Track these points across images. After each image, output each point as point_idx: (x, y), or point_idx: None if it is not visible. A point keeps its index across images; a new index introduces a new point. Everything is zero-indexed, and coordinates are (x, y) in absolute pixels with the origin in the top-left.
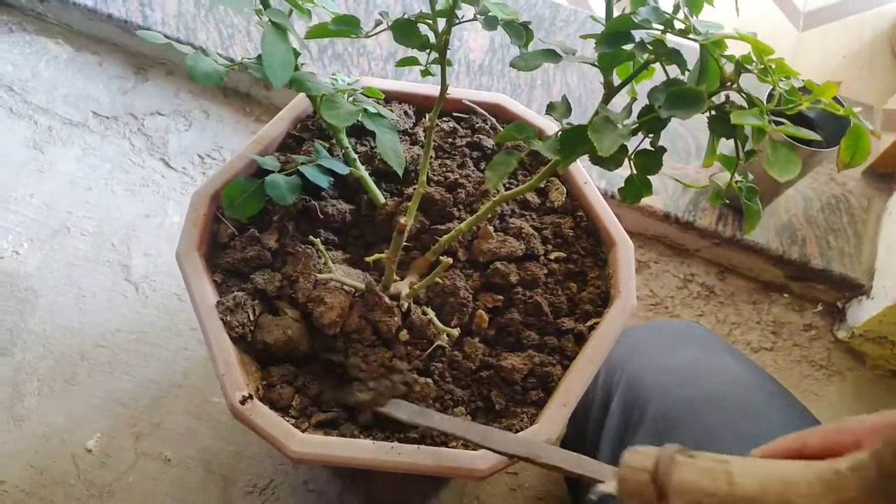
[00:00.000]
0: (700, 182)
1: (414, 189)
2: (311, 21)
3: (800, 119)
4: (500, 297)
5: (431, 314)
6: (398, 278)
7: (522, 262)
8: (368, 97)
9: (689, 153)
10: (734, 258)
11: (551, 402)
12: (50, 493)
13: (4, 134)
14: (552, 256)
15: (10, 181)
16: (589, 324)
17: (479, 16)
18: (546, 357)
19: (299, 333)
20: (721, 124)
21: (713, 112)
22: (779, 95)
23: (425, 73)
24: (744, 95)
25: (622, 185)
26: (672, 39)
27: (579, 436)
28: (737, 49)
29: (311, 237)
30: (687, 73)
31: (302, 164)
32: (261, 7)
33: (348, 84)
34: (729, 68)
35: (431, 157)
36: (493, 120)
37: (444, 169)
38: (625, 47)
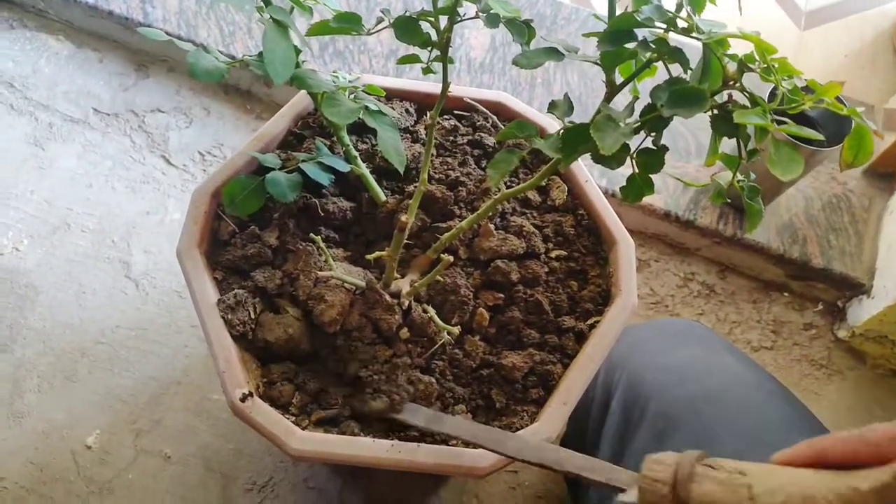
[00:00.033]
0: (701, 181)
1: (415, 187)
2: (312, 18)
3: (801, 118)
4: (501, 296)
5: (432, 312)
6: (399, 276)
7: (523, 261)
8: (370, 95)
9: (689, 152)
10: (735, 257)
11: (552, 400)
12: (49, 490)
13: (5, 130)
14: (553, 255)
15: (11, 178)
16: (590, 322)
17: (480, 13)
18: (547, 355)
19: (300, 332)
20: (723, 123)
21: (716, 111)
22: (782, 95)
23: (427, 70)
24: (746, 94)
25: (623, 183)
26: (675, 38)
27: (579, 434)
28: (739, 48)
29: (311, 235)
30: (689, 71)
31: (303, 161)
32: (262, 4)
33: (349, 81)
34: (732, 67)
35: (432, 154)
36: (495, 118)
37: (446, 167)
38: (627, 46)
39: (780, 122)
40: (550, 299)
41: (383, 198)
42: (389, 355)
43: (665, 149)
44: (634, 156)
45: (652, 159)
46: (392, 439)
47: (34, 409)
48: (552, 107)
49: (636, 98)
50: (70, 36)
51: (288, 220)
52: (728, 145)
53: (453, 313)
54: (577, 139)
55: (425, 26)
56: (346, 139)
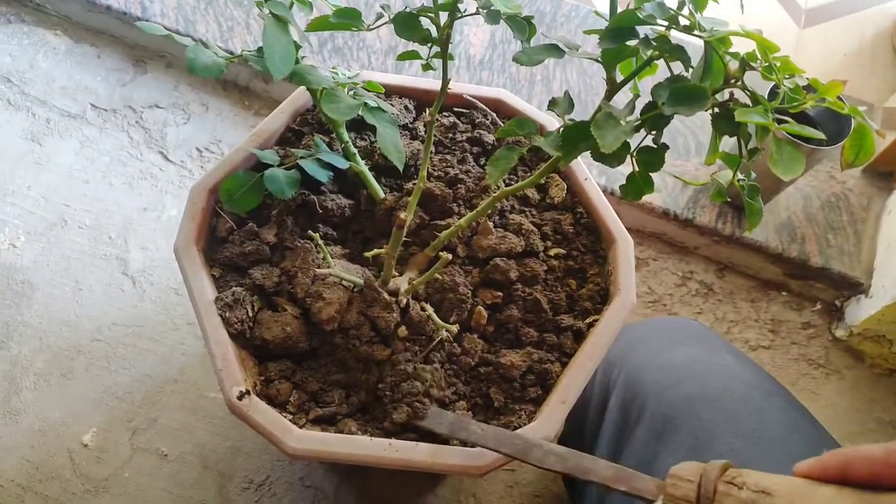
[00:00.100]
0: (700, 179)
1: (414, 184)
2: (311, 13)
3: (801, 117)
4: (500, 294)
5: (430, 310)
6: (397, 274)
7: (522, 259)
8: (369, 91)
9: (688, 150)
10: (733, 256)
11: (550, 399)
12: (45, 488)
13: (2, 126)
14: (552, 253)
15: (8, 173)
16: (588, 321)
17: (481, 10)
18: (545, 354)
19: (298, 330)
20: (725, 122)
21: (717, 109)
22: (783, 93)
23: (426, 67)
24: (748, 93)
25: (622, 181)
26: (676, 36)
27: (577, 433)
28: (741, 46)
29: (309, 232)
30: (691, 69)
31: (301, 158)
32: None
33: (349, 78)
34: (733, 65)
35: (432, 152)
36: (494, 115)
37: (445, 164)
38: (629, 43)
39: (781, 121)
40: (549, 298)
41: (382, 195)
42: (388, 355)
43: (665, 147)
44: (635, 154)
45: (652, 157)
46: (389, 438)
47: (30, 406)
48: (552, 104)
49: (637, 96)
50: (68, 31)
51: (286, 217)
52: (728, 144)
53: (452, 311)
54: (577, 137)
55: (425, 22)
56: (345, 136)
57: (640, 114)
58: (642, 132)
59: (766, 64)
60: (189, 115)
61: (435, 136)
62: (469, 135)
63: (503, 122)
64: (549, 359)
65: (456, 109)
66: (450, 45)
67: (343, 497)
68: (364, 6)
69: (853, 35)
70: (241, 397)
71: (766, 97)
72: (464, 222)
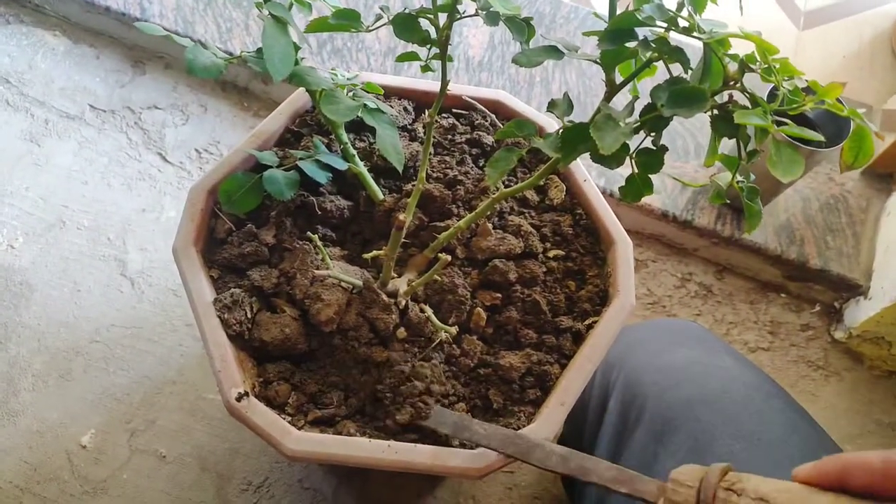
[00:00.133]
0: (699, 181)
1: (413, 186)
2: (311, 15)
3: (801, 119)
4: (499, 295)
5: (429, 312)
6: (396, 275)
7: (521, 260)
8: (368, 92)
9: (688, 152)
10: (732, 257)
11: (549, 400)
12: (43, 490)
13: (1, 127)
14: (551, 254)
15: (6, 174)
16: (587, 322)
17: (480, 11)
18: (544, 356)
19: (297, 331)
20: (724, 124)
21: (716, 111)
22: (782, 95)
23: (425, 68)
24: (747, 95)
25: (621, 183)
26: (675, 37)
27: (577, 434)
28: (740, 48)
29: (308, 233)
30: (690, 71)
31: (300, 159)
32: (261, 0)
33: (348, 79)
34: (732, 67)
35: (431, 153)
36: (493, 117)
37: (444, 165)
38: (628, 45)
39: (780, 123)
40: (548, 299)
41: (381, 196)
42: (386, 357)
43: (664, 149)
44: (634, 156)
45: (651, 159)
46: (388, 440)
47: (28, 407)
48: (551, 106)
49: (636, 98)
50: (67, 31)
51: (285, 219)
52: (727, 146)
53: (451, 313)
54: (576, 138)
55: (424, 23)
56: (344, 137)
57: (640, 115)
58: (641, 134)
59: (766, 66)
60: (188, 116)
61: (434, 137)
62: (468, 136)
63: (502, 124)
64: (549, 360)
65: (455, 111)
66: (449, 47)
67: (342, 499)
68: (363, 7)
69: (852, 37)
70: (239, 399)
71: (765, 99)
72: (463, 224)
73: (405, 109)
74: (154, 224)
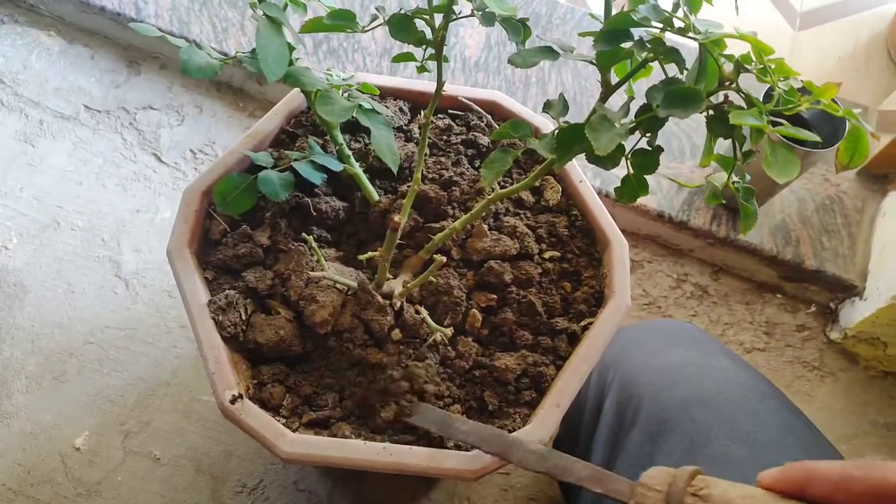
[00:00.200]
0: (694, 181)
1: (408, 187)
2: (306, 15)
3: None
4: (494, 297)
5: (425, 313)
6: (391, 277)
7: (516, 261)
8: (363, 93)
9: (683, 152)
10: (728, 258)
11: (544, 402)
12: (37, 492)
13: None
14: (546, 256)
15: (0, 175)
16: (583, 324)
17: (476, 11)
18: (539, 357)
19: (291, 333)
20: (719, 124)
21: (711, 112)
22: (778, 96)
23: (421, 69)
24: (742, 95)
25: (617, 183)
26: (671, 38)
27: (572, 435)
28: (736, 48)
29: (303, 234)
30: (685, 72)
31: (295, 160)
32: (255, 0)
33: (343, 80)
34: (728, 68)
35: (426, 154)
36: (489, 117)
37: (439, 166)
38: (623, 45)
39: (775, 124)
40: (543, 300)
41: (376, 197)
42: (381, 358)
43: (660, 149)
44: (629, 156)
45: (647, 160)
46: (384, 442)
47: (22, 409)
48: (547, 106)
49: (631, 98)
50: (61, 32)
51: (280, 220)
52: (723, 146)
53: (446, 314)
54: (571, 139)
55: (420, 24)
56: (340, 138)
57: (635, 116)
58: (637, 134)
59: (761, 66)
60: (183, 116)
61: (430, 138)
62: (464, 137)
63: (498, 125)
64: (544, 362)
65: (451, 111)
66: (445, 47)
67: (337, 501)
68: (359, 8)
69: (848, 38)
70: (233, 401)
71: (760, 99)
72: (458, 225)
73: (401, 110)
74: (149, 225)
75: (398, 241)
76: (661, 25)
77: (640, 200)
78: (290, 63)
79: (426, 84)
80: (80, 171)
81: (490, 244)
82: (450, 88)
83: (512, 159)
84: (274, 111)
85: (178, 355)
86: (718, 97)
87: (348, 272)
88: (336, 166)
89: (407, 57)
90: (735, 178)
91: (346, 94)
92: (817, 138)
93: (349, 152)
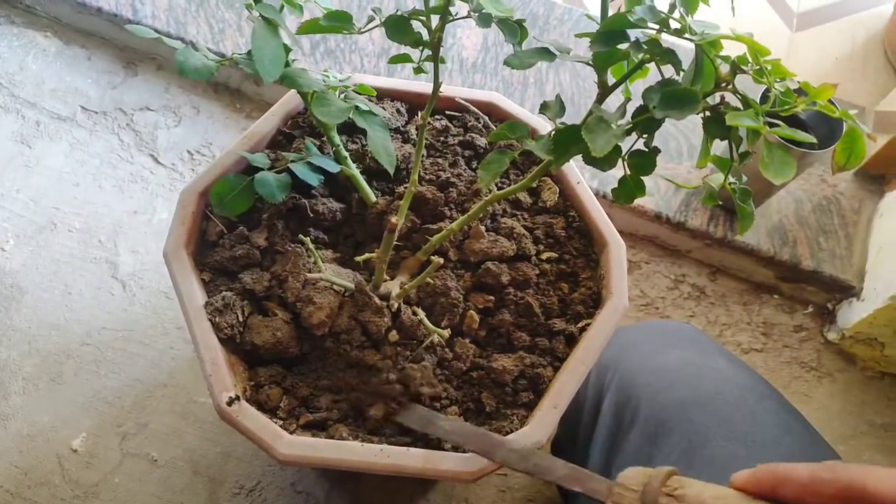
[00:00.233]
0: (692, 182)
1: (405, 188)
2: (303, 16)
3: (792, 120)
4: (492, 298)
5: (422, 314)
6: (388, 278)
7: (514, 263)
8: (360, 94)
9: (680, 153)
10: (725, 259)
11: (542, 403)
12: (34, 494)
13: None
14: (544, 257)
15: None
16: (580, 325)
17: (472, 13)
18: (537, 358)
19: (288, 335)
20: (716, 125)
21: (708, 113)
22: (774, 97)
23: (418, 70)
24: (739, 96)
25: (614, 185)
26: (667, 39)
27: (571, 436)
28: (732, 49)
29: (300, 236)
30: (682, 73)
31: (292, 161)
32: (252, 1)
33: (340, 81)
34: (724, 69)
35: (423, 155)
36: (486, 118)
37: (436, 168)
38: (620, 46)
39: (772, 125)
40: (541, 302)
41: (373, 199)
42: (378, 360)
43: (657, 150)
44: (626, 157)
45: (644, 161)
46: (381, 443)
47: (19, 411)
48: (544, 108)
49: (628, 99)
50: (58, 33)
51: (277, 221)
52: (719, 147)
53: (443, 316)
54: (568, 140)
55: (417, 25)
56: (336, 139)
57: (632, 117)
58: (634, 135)
59: (758, 67)
60: (180, 117)
61: (427, 139)
62: (461, 138)
63: (495, 126)
64: (542, 363)
65: (448, 113)
66: (442, 48)
67: (335, 502)
68: (356, 9)
69: (845, 39)
70: (230, 403)
71: (757, 101)
72: (455, 226)
73: (398, 111)
74: (146, 226)
75: (395, 243)
76: (657, 27)
77: (638, 201)
78: (287, 64)
79: (423, 85)
80: (76, 172)
81: (487, 245)
82: (447, 89)
83: (509, 160)
84: (271, 112)
85: (175, 357)
86: (715, 98)
87: (345, 274)
88: (333, 168)
89: (404, 58)
90: (732, 180)
91: (342, 96)
92: (814, 139)
93: (346, 154)
